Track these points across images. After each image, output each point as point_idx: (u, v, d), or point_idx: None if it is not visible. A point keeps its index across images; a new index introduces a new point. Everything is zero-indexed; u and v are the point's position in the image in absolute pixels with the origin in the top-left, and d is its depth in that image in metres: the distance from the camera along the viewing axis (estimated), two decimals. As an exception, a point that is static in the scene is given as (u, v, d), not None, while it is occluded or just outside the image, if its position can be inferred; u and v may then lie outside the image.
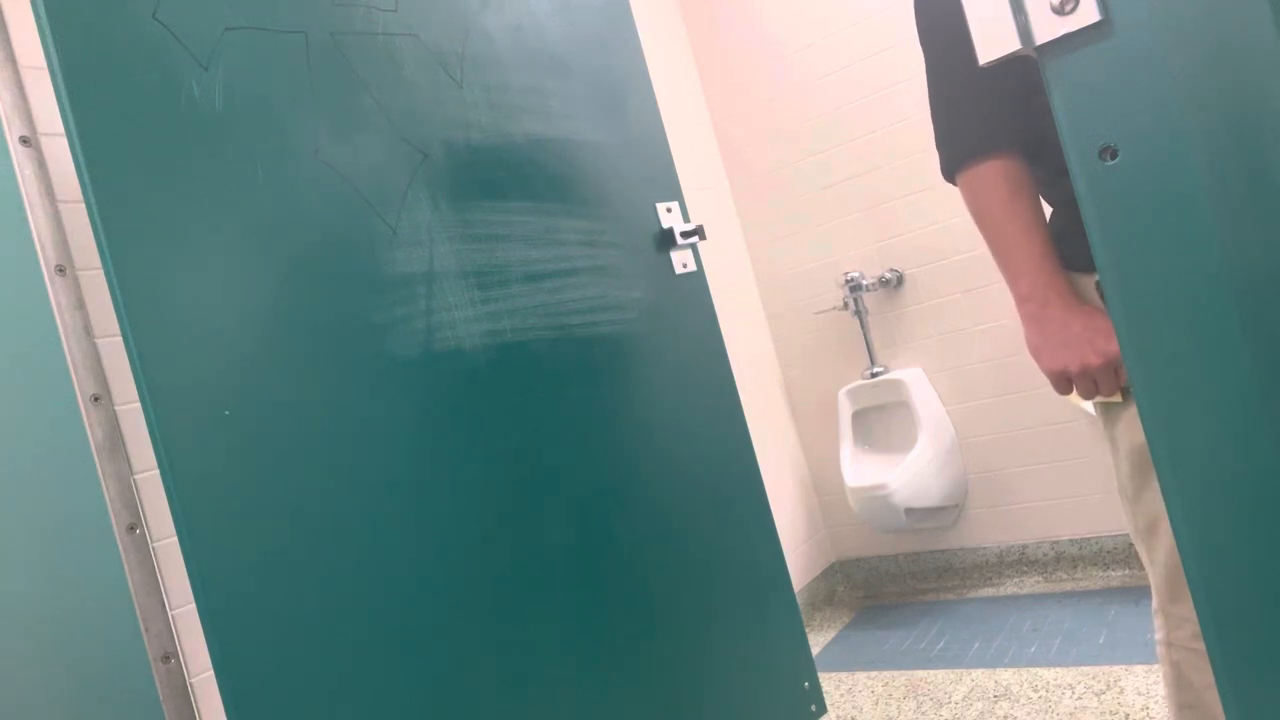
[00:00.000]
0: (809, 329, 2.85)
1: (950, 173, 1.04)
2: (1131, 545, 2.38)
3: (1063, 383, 0.96)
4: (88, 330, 1.30)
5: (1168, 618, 0.99)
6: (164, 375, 1.01)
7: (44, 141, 1.31)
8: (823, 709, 1.73)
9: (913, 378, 2.60)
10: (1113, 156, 0.48)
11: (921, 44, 1.04)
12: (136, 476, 1.33)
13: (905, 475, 2.42)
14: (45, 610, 1.25)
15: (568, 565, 1.37)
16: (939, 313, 2.59)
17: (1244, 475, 0.46)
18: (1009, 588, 2.56)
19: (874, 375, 2.67)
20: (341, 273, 1.19)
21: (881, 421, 2.69)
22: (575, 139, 1.56)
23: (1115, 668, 1.92)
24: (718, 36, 2.86)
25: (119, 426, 1.31)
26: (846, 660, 2.39)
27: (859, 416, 2.71)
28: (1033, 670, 2.02)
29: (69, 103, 0.99)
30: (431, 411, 1.25)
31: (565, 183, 1.52)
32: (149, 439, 1.01)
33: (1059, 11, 0.47)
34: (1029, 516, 2.55)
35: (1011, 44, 0.49)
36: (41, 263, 1.28)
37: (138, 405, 1.31)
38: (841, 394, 2.70)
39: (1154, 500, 0.95)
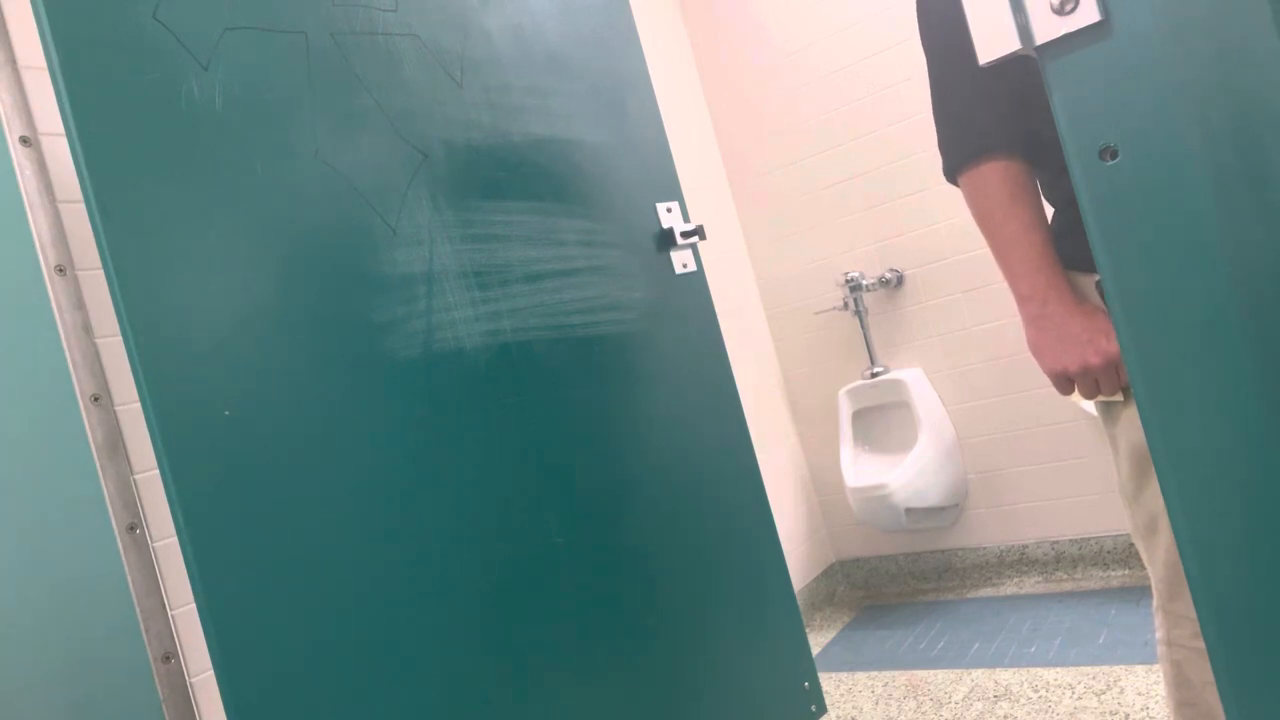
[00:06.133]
0: (809, 329, 2.85)
1: (952, 174, 1.04)
2: (1131, 545, 2.38)
3: (1064, 382, 0.96)
4: (88, 330, 1.30)
5: (1167, 616, 0.99)
6: (164, 375, 1.01)
7: (44, 141, 1.31)
8: (823, 709, 1.73)
9: (913, 378, 2.60)
10: (1113, 156, 0.48)
11: (923, 45, 1.04)
12: (136, 476, 1.33)
13: (905, 475, 2.42)
14: (45, 610, 1.25)
15: (568, 565, 1.37)
16: (939, 313, 2.59)
17: (1244, 475, 0.46)
18: (1009, 588, 2.56)
19: (874, 375, 2.67)
20: (341, 272, 1.19)
21: (881, 421, 2.70)
22: (575, 139, 1.56)
23: (1115, 668, 1.92)
24: (718, 36, 2.86)
25: (119, 426, 1.31)
26: (846, 660, 2.39)
27: (859, 416, 2.71)
28: (1033, 670, 2.02)
29: (69, 103, 0.99)
30: (431, 411, 1.25)
31: (565, 183, 1.52)
32: (149, 439, 1.01)
33: (1059, 11, 0.47)
34: (1029, 516, 2.55)
35: (1011, 44, 0.49)
36: (41, 263, 1.28)
37: (138, 405, 1.32)
38: (841, 394, 2.70)
39: (1154, 499, 0.95)
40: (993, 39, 0.50)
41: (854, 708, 2.10)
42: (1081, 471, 2.44)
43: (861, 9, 2.56)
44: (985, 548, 2.64)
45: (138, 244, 1.01)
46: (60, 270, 1.29)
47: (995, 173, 0.97)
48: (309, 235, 1.17)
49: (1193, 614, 0.95)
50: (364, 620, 1.12)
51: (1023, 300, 0.97)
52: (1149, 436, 0.49)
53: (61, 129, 1.01)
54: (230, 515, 1.03)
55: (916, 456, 2.47)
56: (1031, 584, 2.53)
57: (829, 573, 2.89)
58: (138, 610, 1.29)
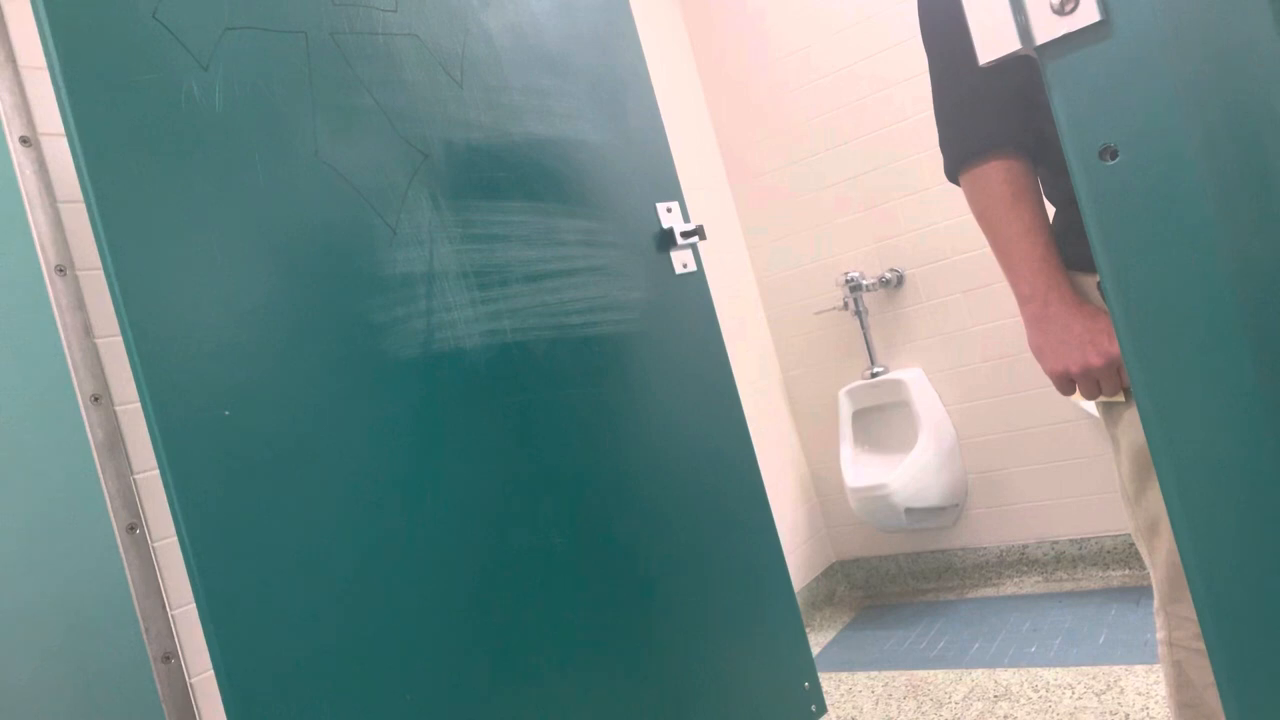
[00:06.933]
0: (809, 329, 2.85)
1: (953, 173, 1.04)
2: (1132, 545, 2.38)
3: (1065, 383, 0.96)
4: (88, 330, 1.30)
5: (1169, 617, 0.99)
6: (164, 375, 1.01)
7: (44, 141, 1.31)
8: (823, 709, 1.73)
9: (913, 378, 2.60)
10: (1113, 156, 0.48)
11: (925, 44, 1.04)
12: (136, 476, 1.32)
13: (905, 475, 2.42)
14: (45, 610, 1.25)
15: (567, 565, 1.37)
16: (939, 313, 2.59)
17: (1244, 475, 0.46)
18: (1009, 588, 2.56)
19: (874, 375, 2.67)
20: (341, 273, 1.19)
21: (881, 421, 2.70)
22: (575, 139, 1.56)
23: (1115, 668, 1.92)
24: (717, 36, 2.86)
25: (119, 426, 1.31)
26: (846, 660, 2.39)
27: (859, 416, 2.71)
28: (1033, 670, 2.02)
29: (69, 103, 0.99)
30: (431, 411, 1.25)
31: (565, 183, 1.52)
32: (149, 439, 1.01)
33: (1059, 11, 0.47)
34: (1029, 516, 2.55)
35: (1011, 44, 0.49)
36: (41, 263, 1.28)
37: (138, 405, 1.32)
38: (841, 394, 2.70)
39: (1155, 500, 0.95)
40: (993, 39, 0.50)
41: (854, 708, 2.10)
42: (1081, 471, 2.44)
43: (861, 9, 2.56)
44: (985, 548, 2.64)
45: (138, 244, 1.01)
46: (60, 270, 1.29)
47: (997, 172, 0.97)
48: (309, 235, 1.17)
49: (1194, 615, 0.95)
50: (364, 620, 1.12)
51: (1024, 300, 0.97)
52: (1149, 437, 0.49)
53: (61, 129, 1.01)
54: (230, 515, 1.03)
55: (916, 456, 2.47)
56: (1031, 584, 2.53)
57: (829, 573, 2.89)
58: (138, 610, 1.29)
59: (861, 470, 2.60)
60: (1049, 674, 1.98)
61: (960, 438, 2.62)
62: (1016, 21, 0.49)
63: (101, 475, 1.29)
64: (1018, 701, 1.91)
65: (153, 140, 1.04)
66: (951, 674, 2.12)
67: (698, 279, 1.72)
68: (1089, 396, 0.95)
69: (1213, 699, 0.96)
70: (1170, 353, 0.47)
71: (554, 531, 1.36)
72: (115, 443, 1.30)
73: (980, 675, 2.07)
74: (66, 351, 1.28)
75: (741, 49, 2.81)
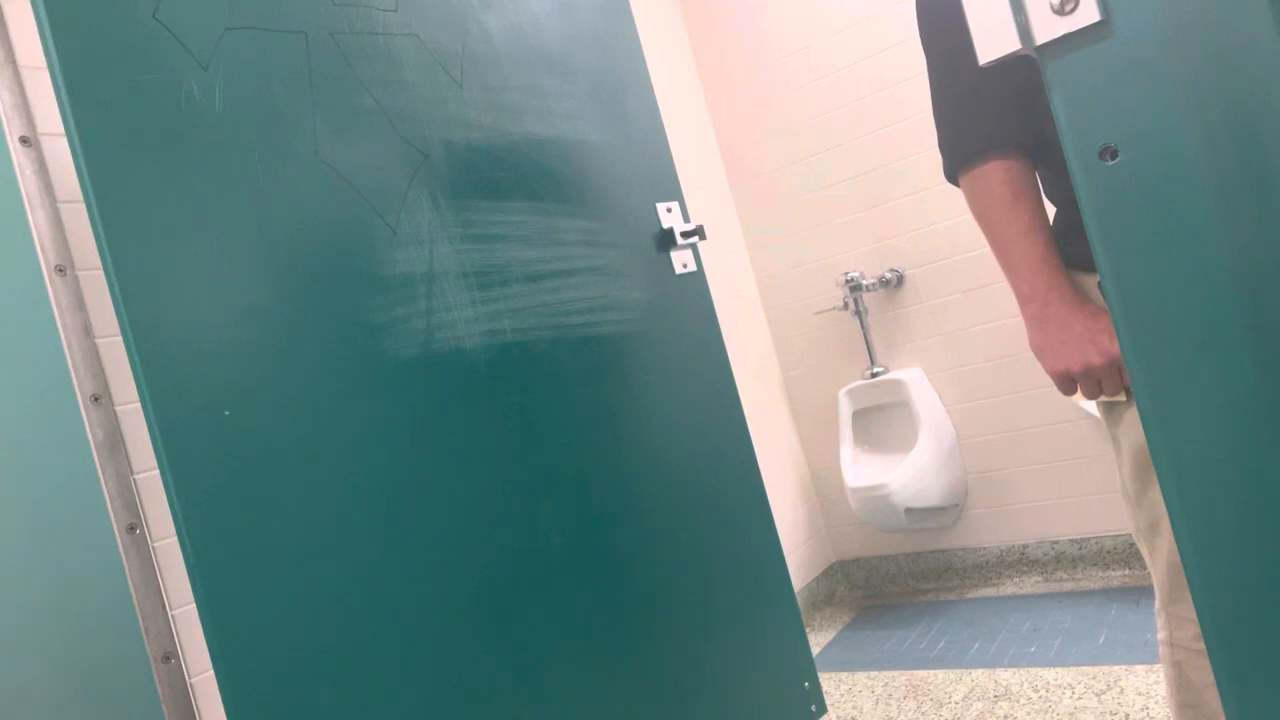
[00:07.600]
0: (809, 329, 2.85)
1: (953, 173, 1.03)
2: (1132, 545, 2.38)
3: (1066, 383, 0.96)
4: (88, 330, 1.30)
5: (1170, 618, 0.99)
6: (164, 375, 1.01)
7: (44, 141, 1.31)
8: (823, 709, 1.73)
9: (913, 378, 2.60)
10: (1113, 156, 0.48)
11: (923, 45, 1.04)
12: (136, 476, 1.32)
13: (905, 475, 2.42)
14: (45, 610, 1.25)
15: (567, 565, 1.37)
16: (939, 313, 2.59)
17: (1244, 475, 0.46)
18: (1009, 588, 2.56)
19: (874, 375, 2.67)
20: (341, 273, 1.19)
21: (881, 421, 2.69)
22: (575, 139, 1.56)
23: (1115, 668, 1.92)
24: (717, 36, 2.86)
25: (119, 426, 1.31)
26: (846, 660, 2.39)
27: (859, 416, 2.71)
28: (1033, 670, 2.02)
29: (69, 103, 0.99)
30: (431, 411, 1.25)
31: (565, 183, 1.52)
32: (149, 439, 1.01)
33: (1059, 11, 0.47)
34: (1029, 516, 2.55)
35: (1011, 44, 0.49)
36: (41, 263, 1.28)
37: (138, 405, 1.32)
38: (841, 394, 2.70)
39: (1156, 500, 0.95)
40: (993, 39, 0.50)
41: (854, 708, 2.10)
42: (1081, 471, 2.44)
43: (861, 9, 2.56)
44: (985, 548, 2.64)
45: (138, 244, 1.01)
46: (60, 270, 1.29)
47: (997, 172, 0.97)
48: (309, 235, 1.17)
49: (1194, 616, 0.95)
50: (364, 620, 1.12)
51: (1024, 300, 0.97)
52: (1149, 437, 0.49)
53: (61, 129, 1.01)
54: (230, 515, 1.03)
55: (916, 456, 2.47)
56: (1031, 584, 2.53)
57: (829, 573, 2.89)
58: (138, 610, 1.29)
59: (861, 470, 2.60)
60: (1049, 674, 1.98)
61: (960, 438, 2.62)
62: (1016, 21, 0.49)
63: (101, 475, 1.29)
64: (1018, 701, 1.91)
65: (153, 140, 1.04)
66: (951, 674, 2.12)
67: (698, 279, 1.72)
68: (1090, 396, 0.95)
69: (1213, 699, 0.96)
70: (1170, 353, 0.48)
71: (554, 531, 1.36)
72: (115, 443, 1.30)
73: (980, 675, 2.07)
74: (66, 351, 1.28)
75: (741, 49, 2.81)
